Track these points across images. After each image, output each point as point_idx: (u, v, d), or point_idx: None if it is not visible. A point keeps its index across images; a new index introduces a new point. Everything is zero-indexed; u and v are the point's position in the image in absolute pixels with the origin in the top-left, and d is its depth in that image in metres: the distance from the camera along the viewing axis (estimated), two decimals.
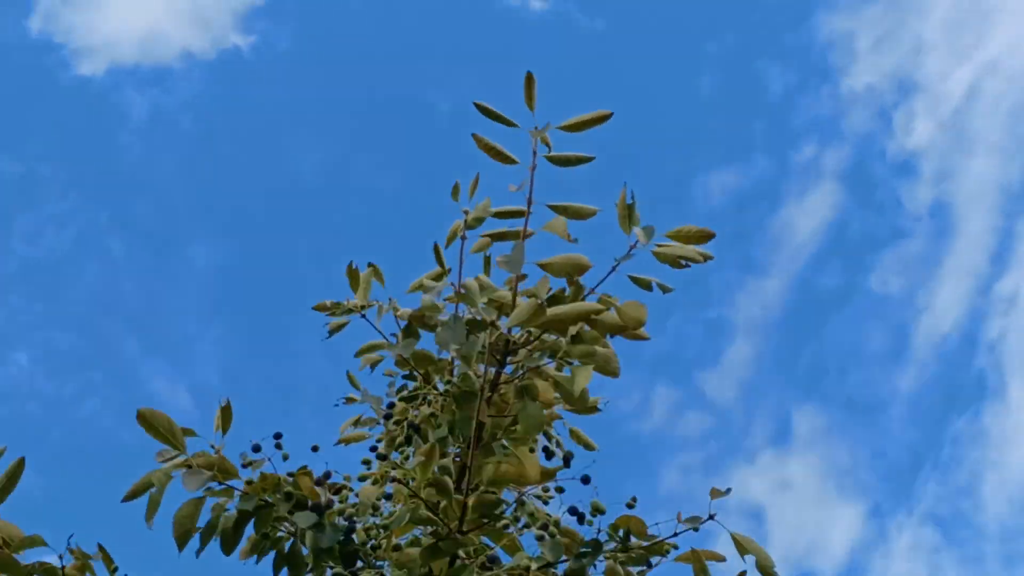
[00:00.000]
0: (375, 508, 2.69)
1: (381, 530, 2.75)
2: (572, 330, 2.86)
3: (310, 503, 2.85)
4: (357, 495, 2.81)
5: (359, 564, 2.90)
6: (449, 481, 2.61)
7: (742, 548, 2.88)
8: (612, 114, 3.02)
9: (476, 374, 2.92)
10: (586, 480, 2.79)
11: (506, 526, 2.81)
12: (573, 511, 2.75)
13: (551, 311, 2.72)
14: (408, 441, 2.98)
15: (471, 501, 2.62)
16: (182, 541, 2.85)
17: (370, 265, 3.38)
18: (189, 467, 2.85)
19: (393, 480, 2.75)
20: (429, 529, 2.82)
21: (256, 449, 2.92)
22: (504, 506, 2.81)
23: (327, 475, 2.97)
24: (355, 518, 2.75)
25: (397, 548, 2.65)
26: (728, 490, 2.85)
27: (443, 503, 2.65)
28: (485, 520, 2.65)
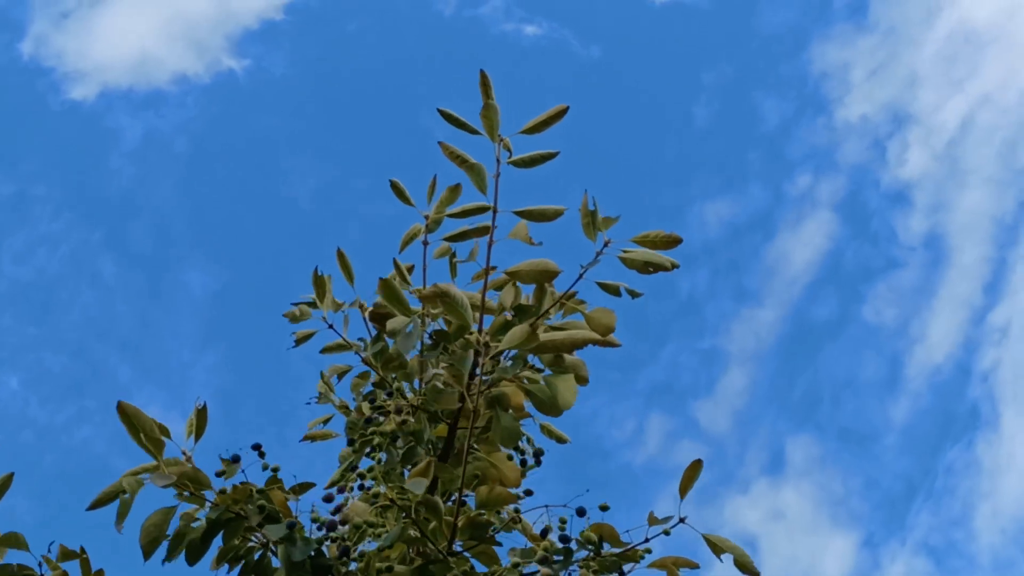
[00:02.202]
0: (370, 525, 2.66)
1: (365, 548, 2.73)
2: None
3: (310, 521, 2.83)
4: (345, 512, 2.79)
5: None
6: (440, 502, 2.59)
7: (717, 548, 2.89)
8: (568, 108, 2.99)
9: (461, 388, 2.90)
10: (581, 512, 2.79)
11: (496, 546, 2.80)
12: (564, 540, 2.74)
13: (548, 337, 2.70)
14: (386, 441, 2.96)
15: (460, 522, 2.60)
16: (149, 549, 2.83)
17: (339, 255, 3.34)
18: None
19: (383, 495, 2.72)
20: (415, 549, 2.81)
21: (234, 460, 2.91)
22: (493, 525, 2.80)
23: (330, 498, 2.95)
24: (345, 539, 2.73)
25: (389, 569, 2.64)
26: (668, 519, 2.85)
27: (432, 524, 2.64)
28: (475, 542, 2.63)
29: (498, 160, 2.95)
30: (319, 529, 2.77)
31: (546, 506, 2.68)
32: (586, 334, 2.68)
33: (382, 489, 2.60)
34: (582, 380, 2.88)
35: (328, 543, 2.86)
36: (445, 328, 3.02)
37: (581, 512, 2.75)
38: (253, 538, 3.01)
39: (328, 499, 2.89)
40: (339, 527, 2.70)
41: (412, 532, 2.53)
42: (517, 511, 2.91)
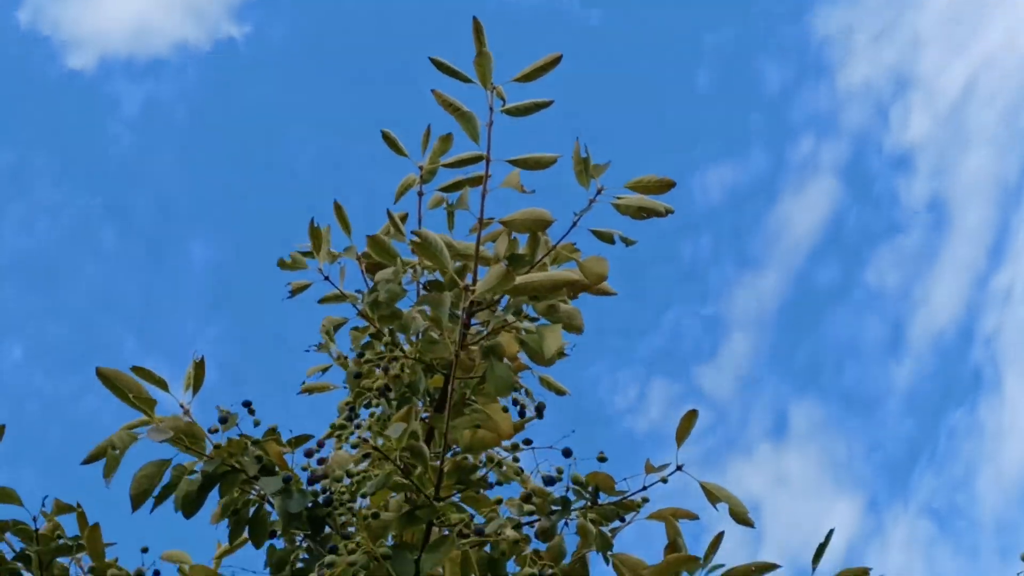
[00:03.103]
0: (350, 474, 2.65)
1: (354, 495, 2.72)
2: None
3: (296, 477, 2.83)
4: (329, 461, 2.79)
5: (327, 530, 2.90)
6: (425, 447, 2.58)
7: (713, 497, 2.88)
8: (561, 56, 2.95)
9: (447, 335, 2.89)
10: (567, 453, 2.77)
11: (484, 489, 2.79)
12: (548, 481, 2.72)
13: (525, 279, 2.68)
14: (384, 394, 2.95)
15: (447, 467, 2.59)
16: (138, 500, 2.83)
17: (336, 207, 3.33)
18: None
19: (365, 443, 2.71)
20: (403, 496, 2.80)
21: (223, 421, 2.91)
22: (481, 468, 2.79)
23: (319, 446, 2.95)
24: (329, 488, 2.73)
25: (376, 515, 2.62)
26: (665, 466, 2.84)
27: (418, 469, 2.63)
28: (461, 486, 2.62)
29: (491, 109, 2.92)
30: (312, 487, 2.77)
31: (533, 448, 2.67)
32: (568, 275, 2.66)
33: (366, 436, 2.58)
34: (576, 329, 2.86)
35: (318, 492, 2.87)
36: (441, 279, 3.00)
37: (567, 453, 2.74)
38: (251, 492, 3.02)
39: (309, 453, 2.88)
40: (324, 478, 2.70)
41: (398, 479, 2.52)
42: (516, 459, 2.90)
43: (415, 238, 2.70)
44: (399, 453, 2.50)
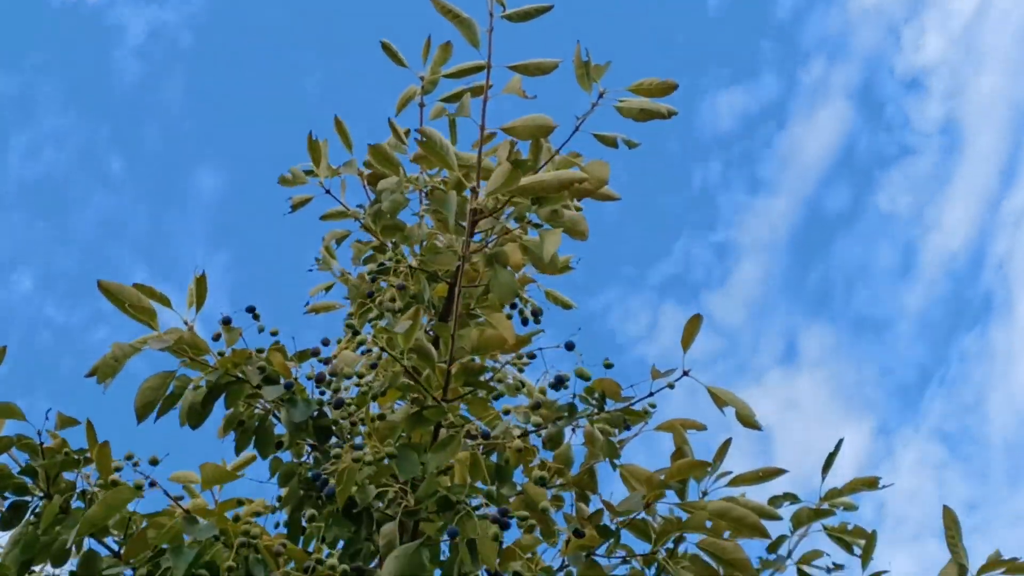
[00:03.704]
0: (359, 374, 2.62)
1: (363, 396, 2.69)
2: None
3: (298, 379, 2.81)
4: (336, 361, 2.76)
5: (333, 440, 2.89)
6: (432, 349, 2.56)
7: (720, 401, 2.86)
8: None
9: (453, 239, 2.87)
10: (570, 347, 2.75)
11: (491, 393, 2.77)
12: (557, 383, 2.70)
13: (531, 179, 2.65)
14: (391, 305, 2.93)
15: (454, 369, 2.57)
16: (143, 412, 2.83)
17: (336, 122, 3.30)
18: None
19: (372, 342, 2.68)
20: (410, 400, 2.79)
21: (227, 320, 2.89)
22: (487, 372, 2.77)
23: (324, 342, 2.92)
24: (337, 383, 2.69)
25: (383, 417, 2.61)
26: (671, 371, 2.82)
27: (426, 372, 2.61)
28: (469, 388, 2.60)
29: (491, 15, 2.89)
30: (316, 387, 2.76)
31: (540, 348, 2.64)
32: (573, 174, 2.63)
33: (369, 333, 2.56)
34: (581, 234, 2.84)
35: (328, 401, 2.86)
36: (443, 189, 2.98)
37: (570, 347, 2.72)
38: (257, 405, 3.01)
39: (316, 353, 2.87)
40: (329, 378, 2.68)
41: (405, 380, 2.50)
42: (521, 370, 2.89)
43: (420, 137, 2.68)
44: (406, 353, 2.48)
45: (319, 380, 2.68)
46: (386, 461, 2.56)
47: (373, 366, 2.64)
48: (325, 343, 2.88)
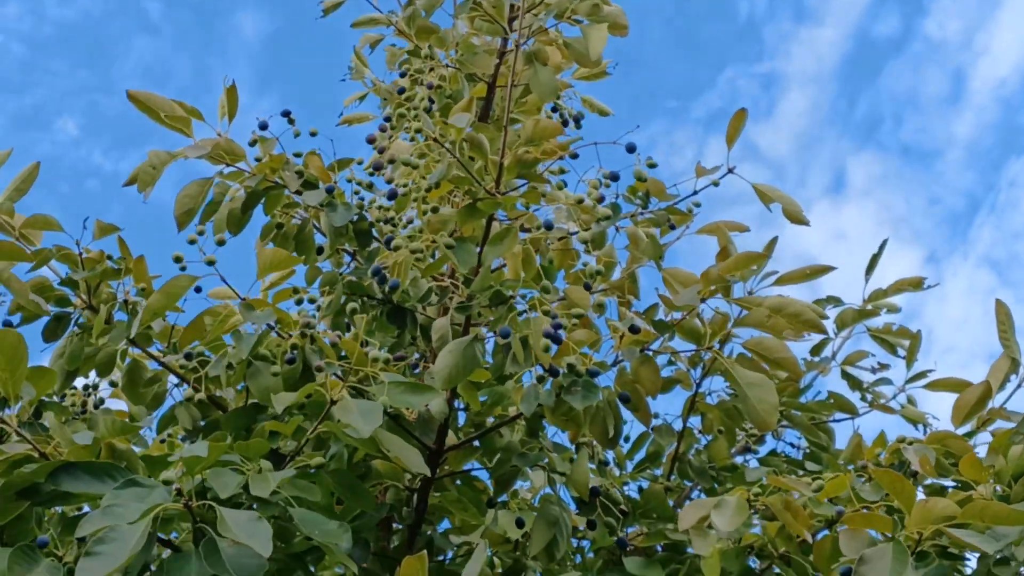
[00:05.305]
0: (412, 166, 2.56)
1: (405, 198, 2.64)
2: None
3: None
4: (390, 150, 2.69)
5: (374, 245, 2.85)
6: (484, 139, 2.49)
7: (766, 198, 2.81)
8: None
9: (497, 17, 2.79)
10: (631, 149, 2.68)
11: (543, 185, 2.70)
12: (611, 178, 2.63)
13: None
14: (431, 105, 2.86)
15: (507, 161, 2.50)
16: (183, 220, 2.79)
17: None
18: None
19: (420, 131, 2.60)
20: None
21: (263, 125, 2.84)
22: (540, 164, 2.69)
23: (370, 139, 2.85)
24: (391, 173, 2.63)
25: (435, 210, 2.56)
26: (716, 168, 2.76)
27: (479, 163, 2.55)
28: (522, 181, 2.53)
29: None
30: (366, 171, 2.69)
31: (595, 143, 2.58)
32: None
33: (425, 127, 2.48)
34: (622, 29, 2.76)
35: (368, 206, 2.82)
36: None
37: (631, 149, 2.65)
38: (295, 215, 2.98)
39: (371, 140, 2.81)
40: (385, 167, 2.62)
41: (458, 172, 2.45)
42: (563, 171, 2.84)
43: None
44: (459, 143, 2.42)
45: (376, 168, 2.62)
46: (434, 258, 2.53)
47: (423, 156, 2.58)
48: (371, 140, 2.82)
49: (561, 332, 2.32)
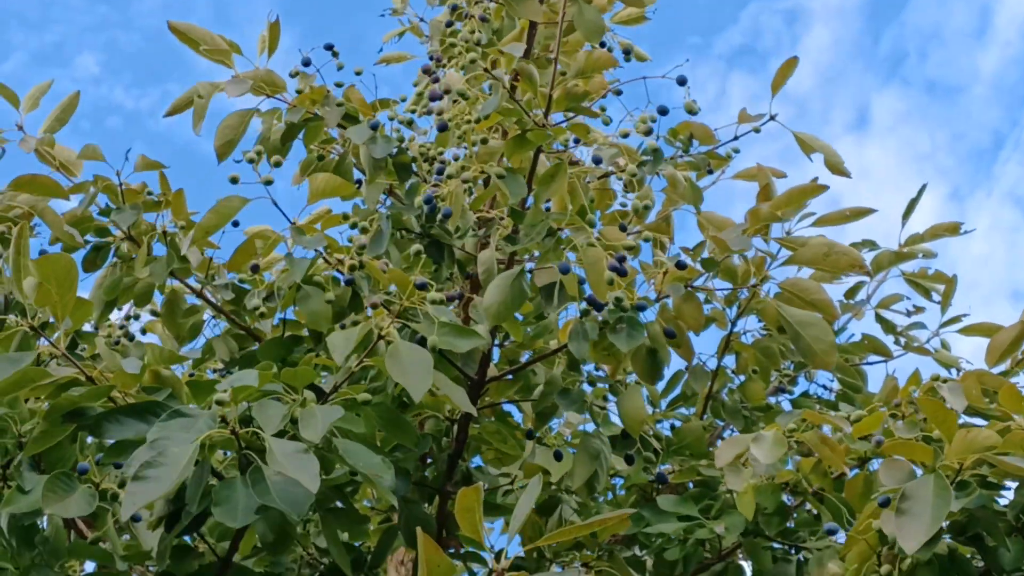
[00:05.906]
0: (464, 96, 2.55)
1: (463, 124, 2.62)
2: None
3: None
4: (443, 80, 2.68)
5: (413, 179, 2.85)
6: (535, 71, 2.48)
7: (807, 147, 2.81)
8: None
9: None
10: (682, 81, 2.67)
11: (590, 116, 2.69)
12: (661, 112, 2.62)
13: None
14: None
15: (556, 94, 2.50)
16: (224, 151, 2.80)
17: None
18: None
19: (474, 64, 2.59)
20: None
21: (306, 61, 2.84)
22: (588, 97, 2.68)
23: (426, 70, 2.83)
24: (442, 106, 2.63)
25: (485, 141, 2.55)
26: (759, 116, 2.75)
27: (527, 95, 2.55)
28: (571, 113, 2.53)
29: None
30: (414, 109, 2.68)
31: (644, 77, 2.57)
32: None
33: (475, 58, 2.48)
34: None
35: (408, 143, 2.81)
36: None
37: (682, 81, 2.64)
38: (333, 151, 2.98)
39: (427, 71, 2.80)
40: (439, 100, 2.61)
41: (507, 105, 2.44)
42: (603, 108, 2.83)
43: None
44: (509, 72, 2.42)
45: (432, 97, 2.60)
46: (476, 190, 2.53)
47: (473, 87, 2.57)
48: (427, 71, 2.81)
49: (625, 265, 2.32)
